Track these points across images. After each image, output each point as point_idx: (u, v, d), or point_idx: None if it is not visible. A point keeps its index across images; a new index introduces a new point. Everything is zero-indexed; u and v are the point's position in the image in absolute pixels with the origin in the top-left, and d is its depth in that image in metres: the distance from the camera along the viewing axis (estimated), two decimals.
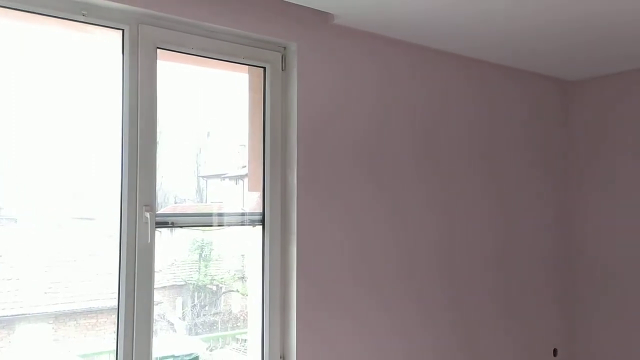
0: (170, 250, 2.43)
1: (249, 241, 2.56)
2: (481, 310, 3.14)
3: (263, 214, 2.50)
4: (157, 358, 2.22)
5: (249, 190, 2.64)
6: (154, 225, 2.18)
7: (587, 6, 2.37)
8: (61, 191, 2.17)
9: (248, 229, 2.55)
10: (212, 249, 2.65)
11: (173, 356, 2.28)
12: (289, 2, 2.37)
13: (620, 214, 3.42)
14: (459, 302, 3.05)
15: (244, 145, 2.82)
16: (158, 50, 2.20)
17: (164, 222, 2.28)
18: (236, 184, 3.30)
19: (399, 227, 2.82)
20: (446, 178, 3.01)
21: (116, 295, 2.14)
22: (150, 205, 2.17)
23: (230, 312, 2.75)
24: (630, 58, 3.15)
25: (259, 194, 2.55)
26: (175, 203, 2.54)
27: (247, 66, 2.51)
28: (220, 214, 2.54)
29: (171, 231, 2.46)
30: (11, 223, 2.13)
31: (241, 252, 2.70)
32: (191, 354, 2.33)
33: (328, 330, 2.53)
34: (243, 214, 2.55)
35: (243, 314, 2.72)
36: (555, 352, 3.52)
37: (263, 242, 2.49)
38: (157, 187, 2.23)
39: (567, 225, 3.63)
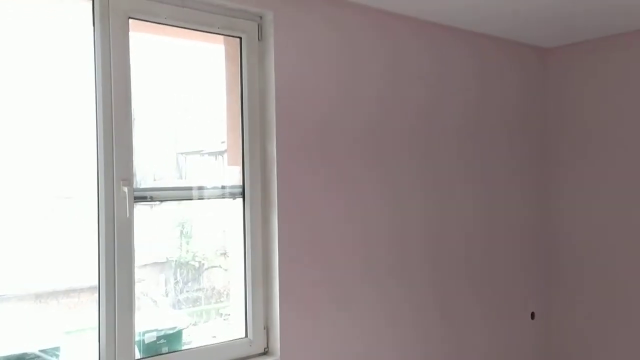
0: (151, 227, 2.41)
1: (230, 216, 2.55)
2: (462, 278, 3.19)
3: (243, 186, 2.48)
4: (140, 333, 2.22)
5: (228, 165, 2.62)
6: (133, 199, 2.15)
7: None
8: (37, 169, 2.13)
9: (228, 202, 2.53)
10: (193, 226, 2.64)
11: (157, 330, 2.28)
12: None
13: (597, 181, 3.48)
14: (441, 269, 3.09)
15: (222, 120, 2.78)
16: (130, 20, 2.15)
17: (143, 197, 2.26)
18: (215, 159, 3.27)
19: (384, 195, 2.83)
20: (427, 148, 3.02)
21: (96, 273, 2.12)
22: (128, 179, 2.14)
23: (214, 288, 2.75)
24: (607, 24, 3.16)
25: (238, 168, 2.53)
26: (155, 180, 2.51)
27: (222, 37, 2.47)
28: (200, 187, 2.52)
29: (151, 207, 2.44)
30: None
31: (222, 228, 2.69)
32: (175, 327, 2.33)
33: (311, 301, 2.55)
34: (223, 187, 2.53)
35: (226, 289, 2.73)
36: (532, 315, 3.61)
37: (244, 214, 2.48)
38: (135, 165, 2.20)
39: (545, 195, 3.69)
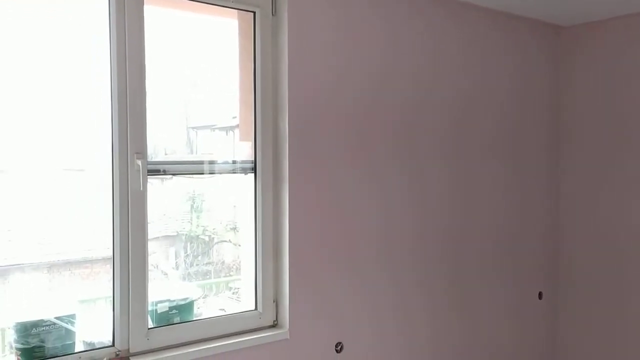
0: (162, 201, 2.44)
1: (241, 191, 2.57)
2: (472, 261, 3.21)
3: (255, 161, 2.50)
4: (153, 302, 2.26)
5: (240, 140, 2.63)
6: (146, 173, 2.17)
7: None
8: (50, 142, 2.15)
9: (240, 177, 2.55)
10: (204, 200, 2.66)
11: (169, 300, 2.32)
12: None
13: (608, 166, 3.46)
14: (452, 252, 3.11)
15: (234, 95, 2.78)
16: None
17: (156, 170, 2.28)
18: (227, 134, 3.28)
19: (403, 173, 2.84)
20: (454, 130, 3.01)
21: (110, 245, 2.16)
22: (142, 152, 2.16)
23: (223, 262, 2.78)
24: (626, 1, 3.09)
25: (250, 144, 2.54)
26: (166, 155, 2.53)
27: (236, 11, 2.46)
28: (211, 162, 2.54)
29: (162, 181, 2.46)
30: (0, 174, 2.12)
31: (233, 203, 2.71)
32: (186, 298, 2.37)
33: (320, 277, 2.59)
34: (235, 162, 2.55)
35: (236, 264, 2.76)
36: (540, 295, 3.64)
37: (255, 189, 2.51)
38: (147, 139, 2.21)
39: (554, 177, 3.68)
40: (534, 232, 3.58)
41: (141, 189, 2.16)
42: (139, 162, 2.14)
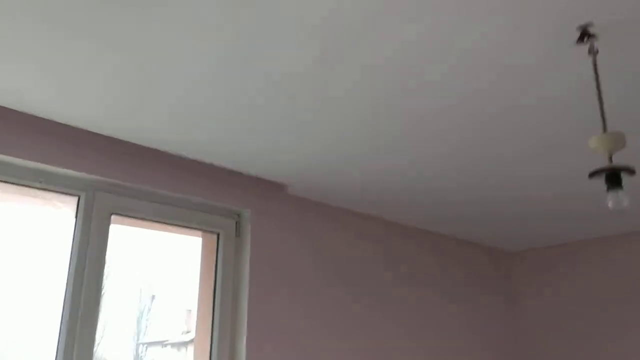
0: None
1: None
2: None
3: None
4: None
5: (193, 359, 2.50)
6: None
7: (527, 187, 2.63)
8: None
9: None
10: None
11: None
12: (243, 173, 2.50)
13: None
14: None
15: (190, 310, 2.73)
16: (112, 215, 2.21)
17: None
18: (178, 350, 3.11)
19: None
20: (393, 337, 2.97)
21: None
22: None
23: None
24: (567, 231, 3.39)
25: None
26: None
27: (201, 231, 2.54)
28: None
29: None
30: None
31: None
32: None
33: None
34: None
35: None
36: None
37: None
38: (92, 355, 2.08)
39: None
40: None
41: None
42: None
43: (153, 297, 2.99)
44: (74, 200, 2.14)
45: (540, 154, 2.26)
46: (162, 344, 3.07)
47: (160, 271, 2.67)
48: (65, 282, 2.07)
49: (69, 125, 2.05)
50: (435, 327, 3.20)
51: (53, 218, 2.18)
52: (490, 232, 3.43)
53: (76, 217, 2.13)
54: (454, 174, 2.48)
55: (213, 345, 2.40)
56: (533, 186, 2.62)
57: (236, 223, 2.57)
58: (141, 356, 3.00)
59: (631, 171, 1.36)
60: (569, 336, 3.50)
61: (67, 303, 2.04)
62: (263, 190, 2.59)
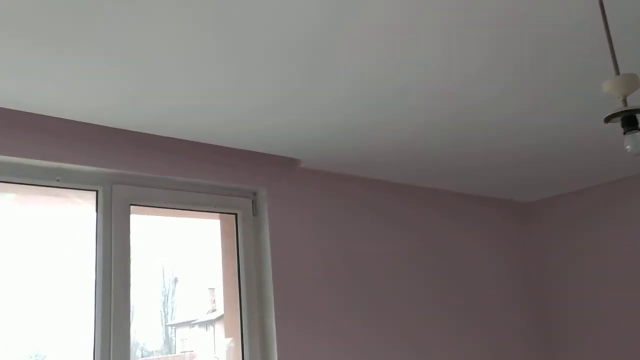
0: None
1: None
2: None
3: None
4: None
5: (225, 337, 2.56)
6: None
7: (540, 133, 2.63)
8: (23, 356, 2.06)
9: None
10: None
11: None
12: (256, 151, 2.51)
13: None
14: None
15: (212, 289, 2.77)
16: (131, 206, 2.24)
17: None
18: (206, 330, 3.18)
19: (384, 355, 2.77)
20: (419, 304, 3.03)
21: None
22: None
23: None
24: (584, 176, 3.37)
25: (232, 339, 2.47)
26: (142, 357, 2.42)
27: (218, 213, 2.57)
28: None
29: None
30: None
31: None
32: None
33: None
34: None
35: None
36: None
37: None
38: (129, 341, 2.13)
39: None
40: None
41: None
42: None
43: (176, 280, 3.04)
44: (93, 195, 2.17)
45: (553, 100, 2.24)
46: (190, 324, 3.13)
47: (180, 255, 2.71)
48: (94, 274, 2.11)
49: (79, 122, 2.06)
50: (463, 288, 3.26)
51: (74, 214, 2.21)
52: (507, 184, 3.43)
53: (97, 211, 2.16)
54: (474, 128, 2.48)
55: (243, 321, 2.45)
56: (548, 133, 2.60)
57: (252, 202, 2.59)
58: (171, 337, 3.07)
59: None
60: (596, 286, 3.53)
61: (98, 294, 2.09)
62: (276, 167, 2.61)
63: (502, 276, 3.56)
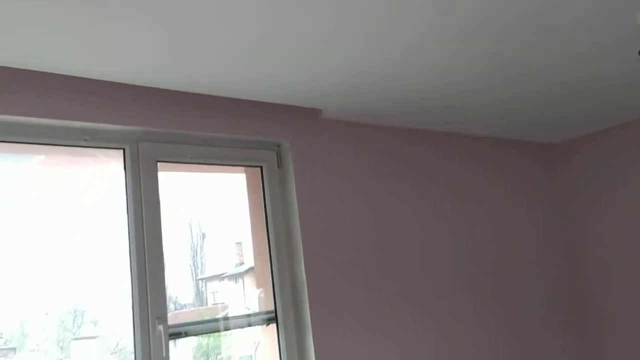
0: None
1: (264, 343, 2.51)
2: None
3: (275, 311, 2.47)
4: None
5: (256, 288, 2.63)
6: (168, 338, 2.13)
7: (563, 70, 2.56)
8: (62, 312, 2.14)
9: (259, 328, 2.51)
10: (219, 353, 2.58)
11: None
12: (278, 103, 2.49)
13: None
14: None
15: (240, 243, 2.82)
16: (158, 163, 2.26)
17: (177, 333, 2.24)
18: (236, 282, 3.26)
19: (423, 319, 2.82)
20: (447, 255, 3.05)
21: None
22: (163, 317, 2.14)
23: None
24: (609, 115, 3.29)
25: (262, 290, 2.53)
26: (175, 310, 2.50)
27: (243, 167, 2.58)
28: (233, 317, 2.51)
29: (174, 342, 2.40)
30: (11, 353, 2.07)
31: (249, 353, 2.63)
32: None
33: None
34: (256, 314, 2.51)
35: None
36: None
37: (278, 341, 2.45)
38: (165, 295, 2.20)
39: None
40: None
41: (164, 355, 2.10)
42: (161, 328, 2.11)
43: (204, 235, 3.10)
44: (119, 153, 2.19)
45: (579, 34, 2.17)
46: (220, 277, 3.21)
47: (207, 210, 2.75)
48: (127, 232, 2.16)
49: (105, 81, 2.06)
50: (490, 234, 3.27)
51: (102, 173, 2.25)
52: (531, 125, 3.36)
53: (124, 169, 2.19)
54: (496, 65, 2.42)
55: (274, 272, 2.51)
56: (568, 69, 2.53)
57: (277, 154, 2.60)
58: (202, 291, 3.16)
59: None
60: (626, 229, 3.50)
61: (132, 250, 2.15)
62: (299, 118, 2.59)
63: (539, 238, 3.55)
